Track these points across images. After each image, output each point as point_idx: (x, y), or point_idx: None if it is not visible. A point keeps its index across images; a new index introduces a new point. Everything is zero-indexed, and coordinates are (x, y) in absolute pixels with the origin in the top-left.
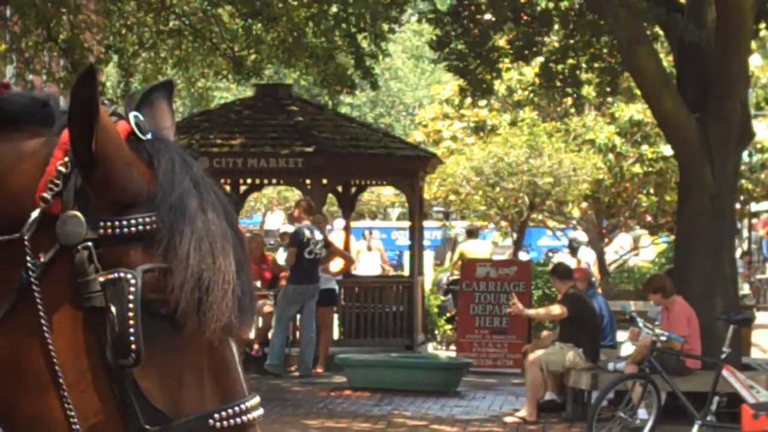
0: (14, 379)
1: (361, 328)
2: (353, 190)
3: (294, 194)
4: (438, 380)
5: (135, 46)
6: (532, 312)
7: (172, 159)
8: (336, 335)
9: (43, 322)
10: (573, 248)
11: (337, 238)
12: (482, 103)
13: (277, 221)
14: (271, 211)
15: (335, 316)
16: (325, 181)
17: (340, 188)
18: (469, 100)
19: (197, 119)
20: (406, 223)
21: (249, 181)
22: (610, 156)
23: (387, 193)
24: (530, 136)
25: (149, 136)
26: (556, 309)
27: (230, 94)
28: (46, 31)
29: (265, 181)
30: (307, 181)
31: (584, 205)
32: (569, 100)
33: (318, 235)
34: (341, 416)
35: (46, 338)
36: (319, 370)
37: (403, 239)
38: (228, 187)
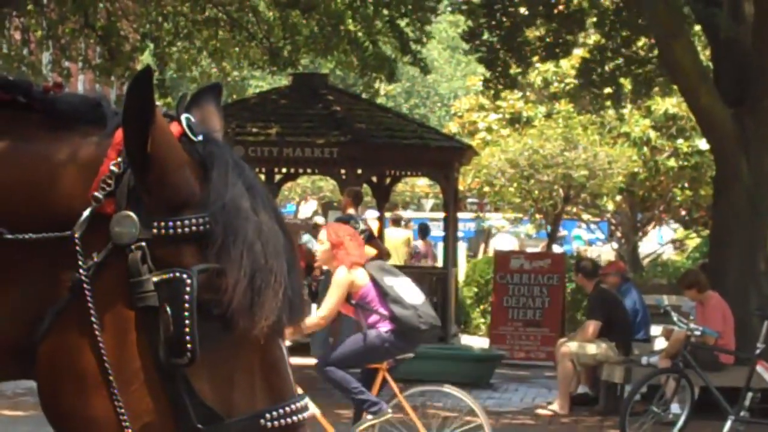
0: (66, 380)
1: None
2: (388, 180)
3: (328, 184)
4: (471, 372)
5: (171, 35)
6: (573, 345)
7: (225, 161)
8: None
9: (94, 321)
10: (424, 233)
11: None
12: (517, 95)
13: (309, 211)
14: (305, 201)
15: None
16: (359, 171)
17: (374, 178)
18: (500, 91)
19: (233, 108)
20: (440, 214)
21: (284, 170)
22: (645, 149)
23: (421, 183)
24: (565, 128)
25: (201, 137)
26: (590, 328)
27: (266, 83)
28: (83, 18)
29: (300, 171)
30: (342, 171)
31: (618, 198)
32: (605, 93)
33: (362, 225)
34: None
35: (97, 338)
36: None
37: (436, 230)
38: (263, 176)
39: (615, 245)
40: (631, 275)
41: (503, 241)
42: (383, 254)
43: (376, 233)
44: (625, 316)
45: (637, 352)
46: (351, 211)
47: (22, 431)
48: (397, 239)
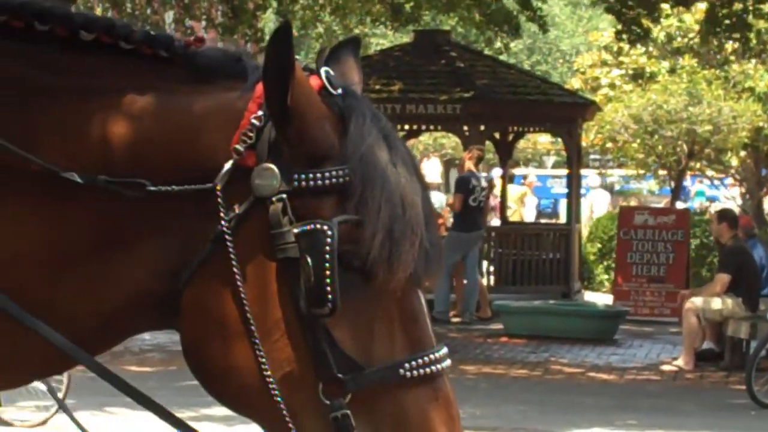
0: (209, 330)
1: (518, 275)
2: (510, 136)
3: (450, 141)
4: (595, 328)
5: None
6: (699, 300)
7: (363, 113)
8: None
9: (236, 272)
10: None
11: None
12: (641, 50)
13: (434, 168)
14: (427, 158)
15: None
16: (482, 128)
17: (497, 135)
18: (626, 47)
19: None
20: (561, 171)
21: (407, 127)
22: None
23: (542, 140)
24: (690, 83)
25: (340, 91)
26: (720, 281)
27: (387, 41)
28: None
29: (423, 128)
30: (465, 128)
31: (743, 153)
32: (729, 48)
33: (483, 183)
34: (498, 362)
35: (239, 289)
36: (489, 315)
37: (558, 187)
38: None
39: (739, 201)
40: (757, 231)
41: (597, 198)
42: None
43: (499, 190)
44: (755, 272)
45: (763, 307)
46: (472, 168)
47: (149, 386)
48: (513, 195)
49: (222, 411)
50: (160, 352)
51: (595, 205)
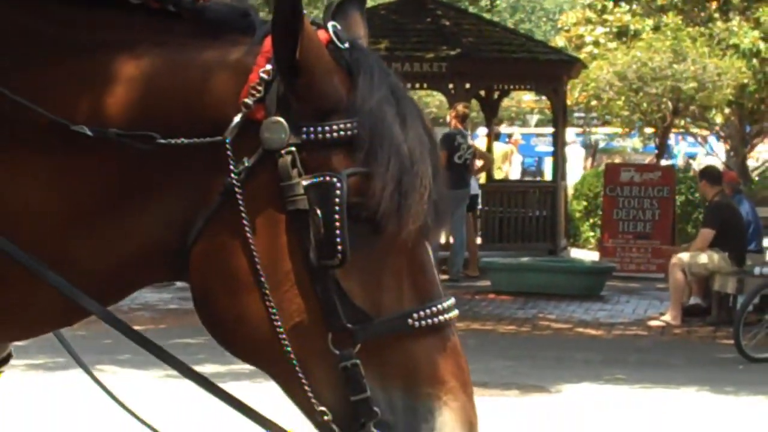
0: (220, 282)
1: (504, 232)
2: (496, 94)
3: (434, 99)
4: (582, 284)
5: None
6: (683, 248)
7: (371, 67)
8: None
9: (246, 224)
10: None
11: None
12: (625, 8)
13: None
14: None
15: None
16: (468, 86)
17: (483, 93)
18: (610, 5)
19: None
20: (545, 129)
21: None
22: (755, 61)
23: (527, 99)
24: (674, 41)
25: (347, 45)
26: (703, 236)
27: (371, 0)
28: None
29: (409, 85)
30: (450, 86)
31: (727, 111)
32: (714, 5)
33: (468, 141)
34: (486, 319)
35: (249, 241)
36: (476, 273)
37: (542, 145)
38: None
39: (723, 158)
40: (742, 187)
41: (572, 154)
42: (489, 164)
43: (485, 148)
44: (740, 226)
45: (750, 262)
46: (458, 125)
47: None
48: (497, 153)
49: (212, 368)
50: (150, 311)
51: (571, 160)
